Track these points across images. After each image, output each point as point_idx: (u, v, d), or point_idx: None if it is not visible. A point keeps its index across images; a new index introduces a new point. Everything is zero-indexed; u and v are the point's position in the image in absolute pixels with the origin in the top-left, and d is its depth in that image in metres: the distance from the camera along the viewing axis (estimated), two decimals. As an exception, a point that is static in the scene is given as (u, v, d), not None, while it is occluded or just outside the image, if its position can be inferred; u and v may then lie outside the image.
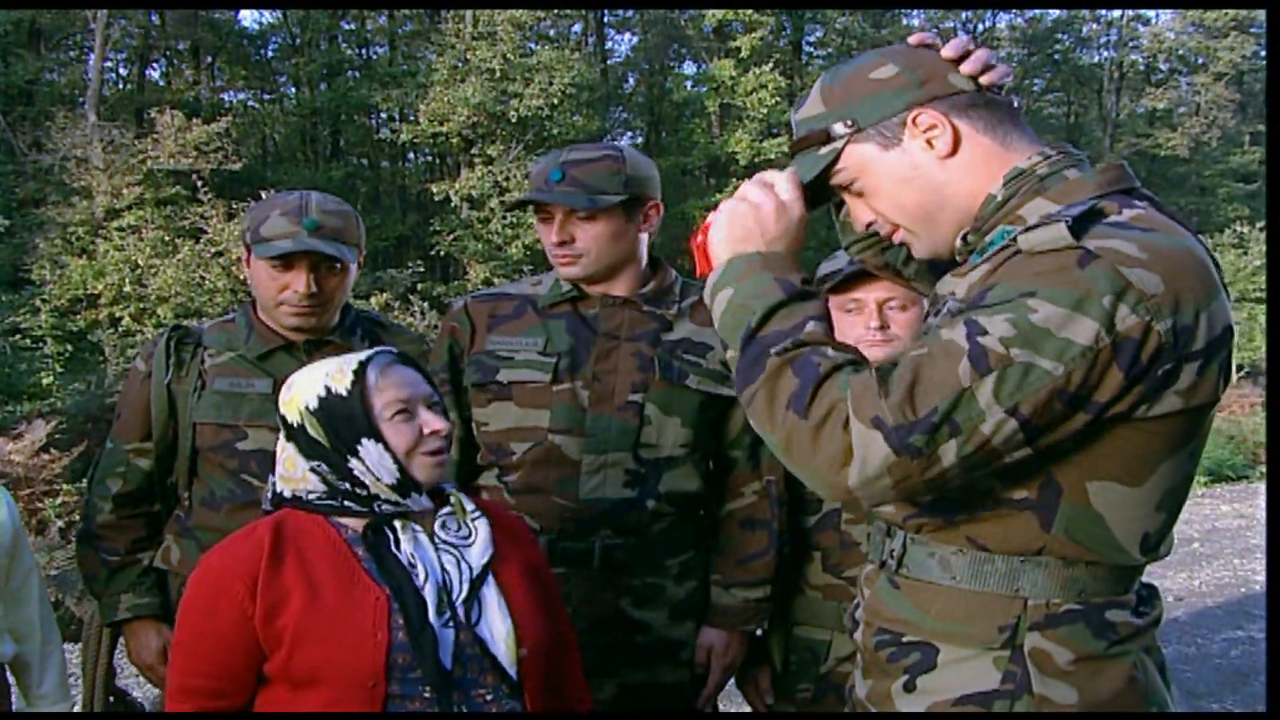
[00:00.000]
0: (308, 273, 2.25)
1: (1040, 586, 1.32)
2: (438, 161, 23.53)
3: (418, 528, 1.63)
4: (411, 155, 24.86)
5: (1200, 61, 29.57)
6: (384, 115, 23.12)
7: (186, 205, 15.06)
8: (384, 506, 1.62)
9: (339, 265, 2.30)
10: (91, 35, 18.80)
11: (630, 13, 26.10)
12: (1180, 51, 29.58)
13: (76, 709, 2.50)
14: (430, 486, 1.65)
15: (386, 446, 1.59)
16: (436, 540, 1.63)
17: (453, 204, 19.04)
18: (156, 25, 21.98)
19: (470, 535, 1.66)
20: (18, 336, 12.04)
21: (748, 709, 2.47)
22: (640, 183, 2.19)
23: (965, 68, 1.41)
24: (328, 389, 1.61)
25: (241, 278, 12.12)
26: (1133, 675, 1.33)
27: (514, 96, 18.57)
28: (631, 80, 27.47)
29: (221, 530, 1.97)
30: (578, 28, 25.55)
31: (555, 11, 22.38)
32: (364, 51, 24.95)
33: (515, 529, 1.80)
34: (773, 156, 19.70)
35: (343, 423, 1.59)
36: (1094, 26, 29.93)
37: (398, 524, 1.62)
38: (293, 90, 24.73)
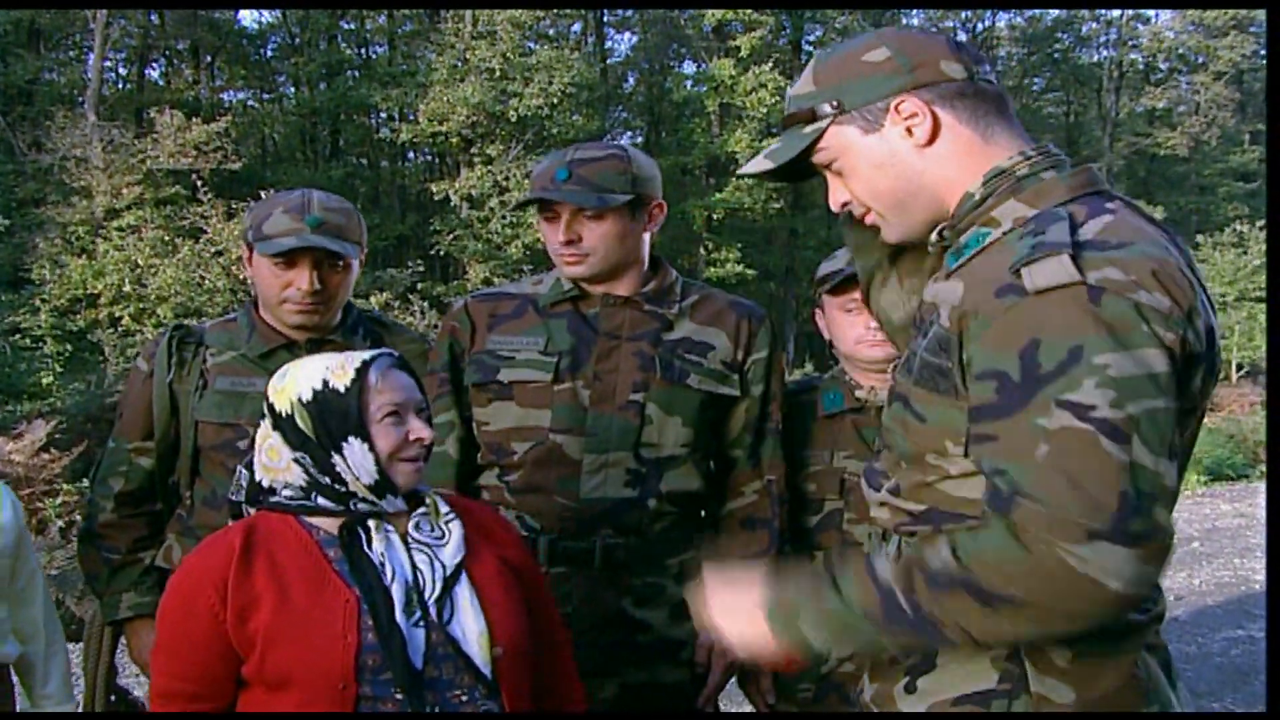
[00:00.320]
0: (311, 270, 2.25)
1: None
2: (437, 161, 23.55)
3: (390, 528, 1.63)
4: (411, 155, 24.88)
5: (1200, 60, 29.59)
6: (383, 115, 23.14)
7: (186, 205, 15.09)
8: (359, 505, 1.62)
9: (341, 263, 2.30)
10: (91, 35, 18.81)
11: (630, 12, 26.12)
12: (1180, 50, 29.60)
13: (79, 709, 2.50)
14: (406, 491, 1.65)
15: (371, 447, 1.60)
16: (410, 540, 1.64)
17: (452, 203, 19.06)
18: (156, 25, 22.00)
19: (444, 536, 1.66)
20: (17, 336, 12.06)
21: (749, 709, 2.47)
22: (645, 182, 2.19)
23: None
24: (325, 383, 1.61)
25: (241, 277, 12.13)
26: (1133, 673, 1.33)
27: (513, 96, 18.59)
28: (631, 80, 27.49)
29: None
30: (577, 27, 25.56)
31: (555, 11, 22.39)
32: (363, 51, 24.97)
33: (494, 529, 1.79)
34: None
35: (334, 418, 1.60)
36: (1093, 25, 29.97)
37: (371, 524, 1.62)
38: (292, 90, 24.74)
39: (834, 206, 1.53)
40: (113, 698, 2.44)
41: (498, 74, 18.61)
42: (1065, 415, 1.18)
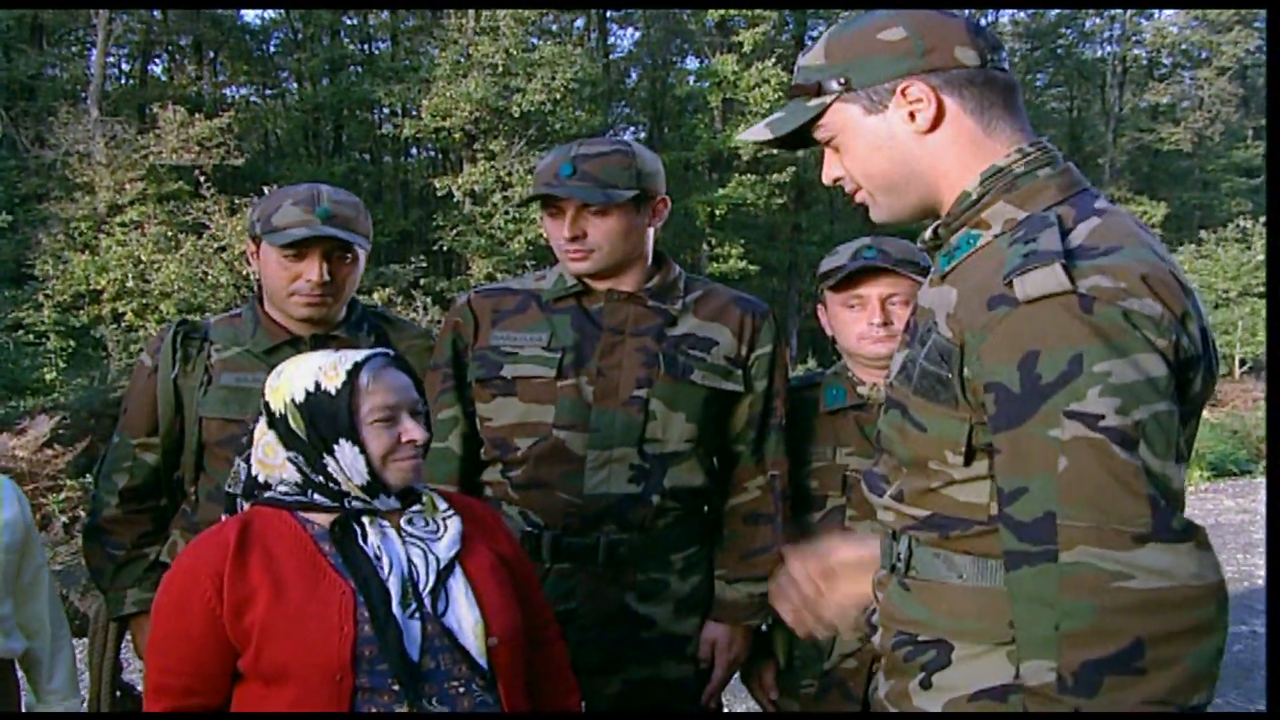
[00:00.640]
0: (320, 261, 2.26)
1: None
2: (440, 157, 23.53)
3: (385, 523, 1.64)
4: (414, 150, 24.88)
5: (1203, 56, 29.53)
6: (386, 110, 23.15)
7: (189, 200, 15.09)
8: (353, 503, 1.63)
9: (350, 255, 2.31)
10: (94, 31, 18.82)
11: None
12: (1183, 46, 29.53)
13: (85, 704, 2.51)
14: (401, 489, 1.66)
15: (362, 450, 1.60)
16: (404, 534, 1.64)
17: (455, 199, 19.05)
18: (159, 21, 22.00)
19: (439, 530, 1.67)
20: (21, 332, 12.06)
21: (752, 704, 2.47)
22: (649, 177, 2.19)
23: None
24: (317, 384, 1.62)
25: (244, 273, 12.13)
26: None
27: (516, 91, 18.57)
28: (634, 75, 27.46)
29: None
30: (580, 22, 25.54)
31: (557, 7, 22.34)
32: (366, 47, 24.95)
33: (488, 522, 1.80)
34: (775, 152, 19.67)
35: (324, 420, 1.60)
36: (1097, 21, 29.89)
37: (365, 519, 1.63)
38: (295, 85, 24.75)
39: (827, 180, 1.53)
40: (118, 693, 2.45)
41: (500, 69, 18.59)
42: (1076, 425, 1.18)
